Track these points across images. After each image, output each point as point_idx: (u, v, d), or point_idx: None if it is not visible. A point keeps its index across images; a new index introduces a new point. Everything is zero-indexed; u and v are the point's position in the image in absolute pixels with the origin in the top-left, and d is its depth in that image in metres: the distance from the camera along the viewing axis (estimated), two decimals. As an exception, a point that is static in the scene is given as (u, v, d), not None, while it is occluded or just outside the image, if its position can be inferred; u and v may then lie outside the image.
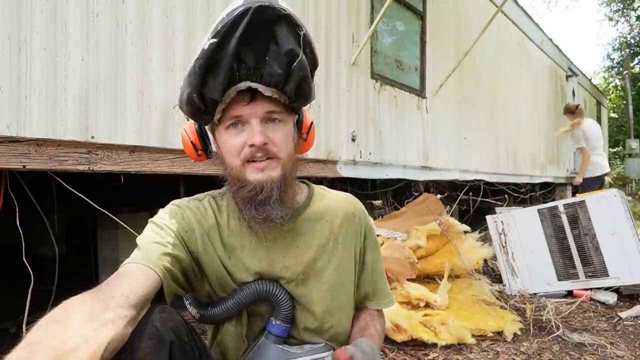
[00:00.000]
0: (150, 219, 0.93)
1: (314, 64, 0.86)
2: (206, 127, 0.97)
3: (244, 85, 0.81)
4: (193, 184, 2.33)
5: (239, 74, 0.79)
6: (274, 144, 0.86)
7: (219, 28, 0.75)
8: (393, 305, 1.15)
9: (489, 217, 3.30)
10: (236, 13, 0.74)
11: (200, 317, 0.97)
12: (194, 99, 0.82)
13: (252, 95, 0.83)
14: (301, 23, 0.79)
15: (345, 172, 3.27)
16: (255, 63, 0.79)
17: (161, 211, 0.95)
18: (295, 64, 0.80)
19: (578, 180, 5.27)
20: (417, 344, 2.10)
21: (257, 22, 0.75)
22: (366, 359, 0.84)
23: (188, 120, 0.98)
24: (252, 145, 0.84)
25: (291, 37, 0.78)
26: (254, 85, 0.81)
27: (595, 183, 5.16)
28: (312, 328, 0.99)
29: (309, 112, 1.02)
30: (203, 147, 0.97)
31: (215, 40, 0.74)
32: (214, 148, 0.96)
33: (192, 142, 0.96)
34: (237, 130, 0.86)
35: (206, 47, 0.75)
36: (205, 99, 0.82)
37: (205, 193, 1.03)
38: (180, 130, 1.01)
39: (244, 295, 0.93)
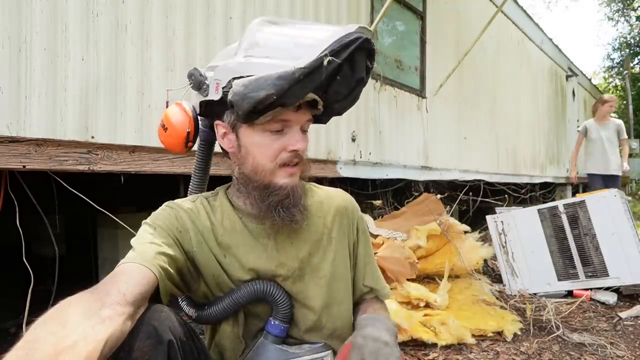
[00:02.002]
0: (144, 220, 0.93)
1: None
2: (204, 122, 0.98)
3: (310, 96, 0.84)
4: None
5: None
6: (304, 151, 0.90)
7: (335, 47, 0.79)
8: (390, 299, 1.15)
9: (489, 217, 3.30)
10: (351, 38, 0.79)
11: (197, 317, 0.97)
12: (268, 101, 0.80)
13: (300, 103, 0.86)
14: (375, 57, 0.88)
15: (345, 172, 3.27)
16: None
17: (155, 212, 0.95)
18: (357, 90, 0.89)
19: (627, 166, 5.26)
20: (417, 344, 2.10)
21: (360, 50, 0.81)
22: (376, 347, 0.79)
23: (168, 105, 0.98)
24: (293, 151, 0.87)
25: (364, 67, 0.87)
26: (318, 98, 0.86)
27: None
28: (310, 325, 0.99)
29: None
30: (194, 138, 0.96)
31: (330, 58, 0.78)
32: (224, 145, 0.95)
33: (188, 131, 0.96)
34: (277, 134, 0.87)
35: (325, 62, 0.78)
36: (278, 102, 0.81)
37: (197, 195, 1.03)
38: (168, 114, 0.99)
39: (240, 295, 0.93)
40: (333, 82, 0.84)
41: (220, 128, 0.93)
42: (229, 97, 0.83)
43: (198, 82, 0.91)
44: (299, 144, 0.87)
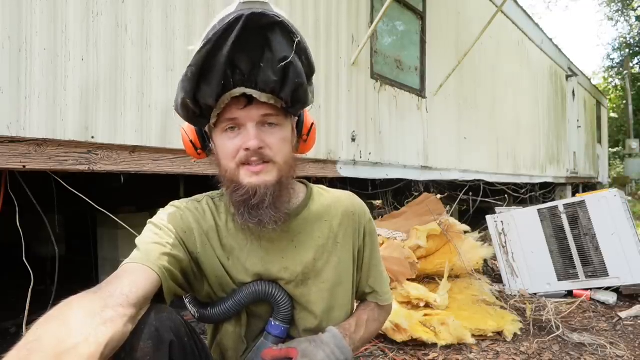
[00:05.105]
0: (149, 220, 0.93)
1: (310, 70, 0.85)
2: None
3: (238, 91, 0.81)
4: (193, 184, 2.33)
5: (233, 80, 0.79)
6: (270, 148, 0.86)
7: (210, 35, 0.74)
8: (390, 303, 1.15)
9: (489, 217, 3.30)
10: (228, 20, 0.73)
11: (199, 317, 0.97)
12: (188, 104, 0.82)
13: (248, 100, 0.83)
14: (296, 30, 0.79)
15: (345, 172, 3.27)
16: (250, 69, 0.78)
17: (160, 212, 0.95)
18: (290, 71, 0.79)
19: None
20: (417, 344, 2.10)
21: (250, 29, 0.74)
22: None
23: None
24: (247, 149, 0.84)
25: (286, 44, 0.78)
26: (248, 91, 0.81)
27: None
28: (312, 328, 0.99)
29: (309, 112, 1.02)
30: (202, 145, 0.97)
31: (207, 47, 0.74)
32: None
33: (191, 141, 0.96)
34: (234, 134, 0.86)
35: (198, 53, 0.75)
36: (200, 104, 0.82)
37: (204, 194, 1.03)
38: (180, 129, 1.01)
39: (243, 296, 0.94)
40: (258, 70, 0.78)
41: (207, 134, 0.96)
42: (173, 107, 0.88)
43: None
44: (250, 142, 0.83)
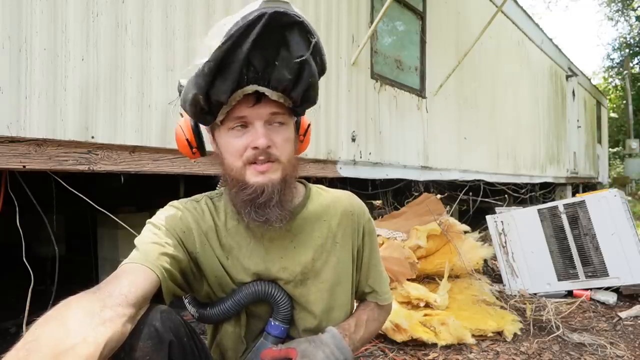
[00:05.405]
0: (148, 220, 0.93)
1: (322, 70, 0.86)
2: (204, 126, 0.96)
3: (251, 88, 0.81)
4: (193, 184, 2.33)
5: (247, 77, 0.79)
6: (276, 147, 0.86)
7: (232, 31, 0.74)
8: (390, 302, 1.14)
9: (489, 217, 3.30)
10: (251, 18, 0.73)
11: (199, 317, 0.97)
12: (199, 101, 0.81)
13: (257, 98, 0.83)
14: (313, 30, 0.80)
15: (345, 172, 3.27)
16: (264, 67, 0.78)
17: (159, 212, 0.95)
18: (305, 70, 0.80)
19: None
20: (417, 344, 2.09)
21: (271, 27, 0.75)
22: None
23: (182, 116, 0.98)
24: (255, 148, 0.84)
25: (303, 44, 0.78)
26: (260, 89, 0.81)
27: None
28: (311, 328, 0.99)
29: (309, 112, 1.02)
30: (198, 144, 0.97)
31: (228, 43, 0.74)
32: (211, 148, 0.96)
33: (187, 139, 0.96)
34: (241, 132, 0.86)
35: (218, 49, 0.75)
36: (211, 100, 0.81)
37: (203, 194, 1.02)
38: (175, 127, 1.01)
39: (242, 295, 0.94)
40: (272, 68, 0.78)
41: (207, 132, 0.95)
42: (180, 104, 0.87)
43: (179, 92, 0.92)
44: (259, 140, 0.83)
